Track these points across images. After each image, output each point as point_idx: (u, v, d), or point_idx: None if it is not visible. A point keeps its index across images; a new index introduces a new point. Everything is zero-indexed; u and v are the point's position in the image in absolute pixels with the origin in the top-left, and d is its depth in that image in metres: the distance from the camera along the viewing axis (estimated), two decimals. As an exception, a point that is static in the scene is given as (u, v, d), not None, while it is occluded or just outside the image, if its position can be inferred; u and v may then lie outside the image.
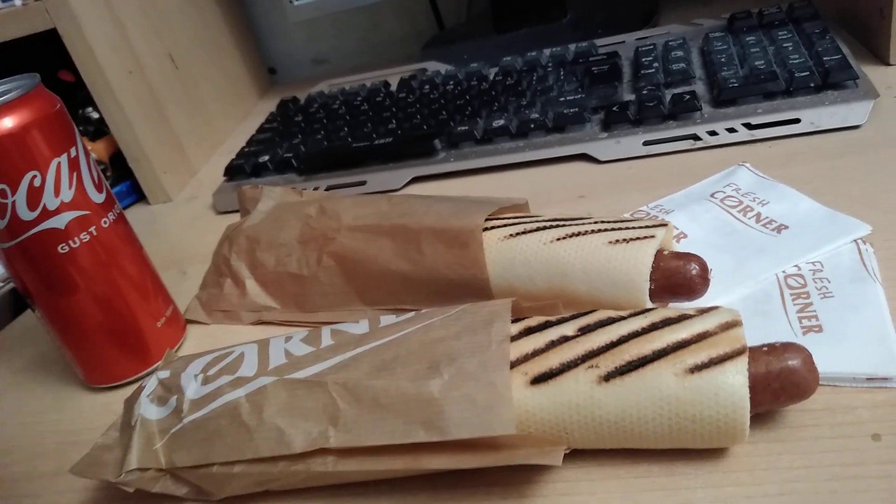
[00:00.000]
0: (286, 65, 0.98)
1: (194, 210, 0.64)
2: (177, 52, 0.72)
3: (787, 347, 0.27)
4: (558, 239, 0.34)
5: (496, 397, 0.27)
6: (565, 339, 0.28)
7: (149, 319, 0.42)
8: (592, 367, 0.27)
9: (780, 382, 0.26)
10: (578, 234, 0.34)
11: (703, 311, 0.28)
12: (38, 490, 0.37)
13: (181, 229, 0.61)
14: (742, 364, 0.26)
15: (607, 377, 0.27)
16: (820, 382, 0.29)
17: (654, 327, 0.28)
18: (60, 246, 0.37)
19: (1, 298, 0.55)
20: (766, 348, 0.27)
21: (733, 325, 0.27)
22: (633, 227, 0.33)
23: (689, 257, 0.32)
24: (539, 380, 0.27)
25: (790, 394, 0.26)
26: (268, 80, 0.96)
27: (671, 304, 0.34)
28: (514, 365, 0.28)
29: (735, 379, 0.26)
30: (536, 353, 0.28)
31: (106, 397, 0.42)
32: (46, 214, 0.37)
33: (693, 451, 0.28)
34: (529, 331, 0.29)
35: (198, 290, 0.48)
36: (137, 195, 0.69)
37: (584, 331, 0.28)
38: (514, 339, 0.29)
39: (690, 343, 0.27)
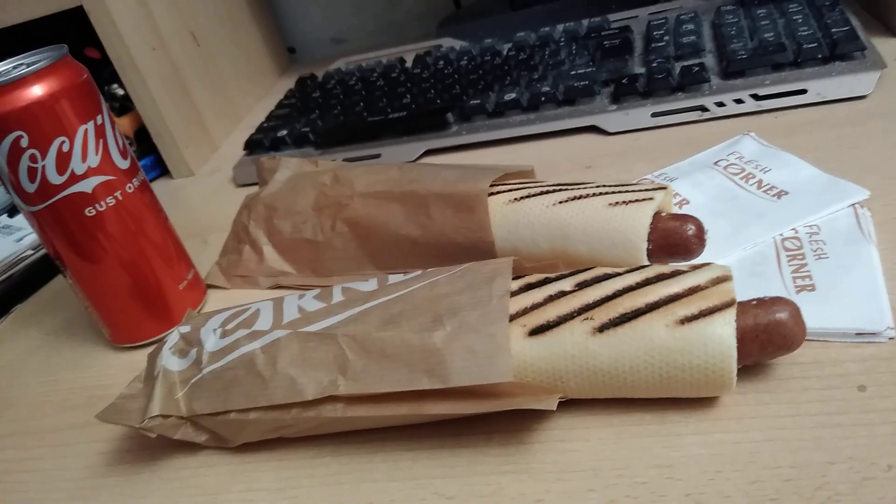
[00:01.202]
0: (305, 44, 0.99)
1: (215, 183, 0.66)
2: (199, 30, 0.74)
3: (776, 301, 0.28)
4: (560, 202, 0.35)
5: (495, 347, 0.28)
6: (563, 294, 0.29)
7: (171, 282, 0.44)
8: (588, 319, 0.28)
9: (768, 334, 0.27)
10: (580, 197, 0.35)
11: (696, 268, 0.29)
12: (68, 440, 0.39)
13: (203, 201, 0.63)
14: (730, 316, 0.27)
15: (601, 328, 0.28)
16: (810, 338, 0.30)
17: (647, 282, 0.29)
18: (88, 209, 0.39)
19: (33, 264, 0.58)
20: (755, 302, 0.28)
21: (724, 279, 0.28)
22: (633, 191, 0.34)
23: (685, 218, 0.33)
24: (537, 331, 0.29)
25: (777, 345, 0.28)
26: (287, 58, 0.97)
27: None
28: (513, 318, 0.29)
29: (723, 329, 0.27)
30: (535, 307, 0.29)
31: (131, 356, 0.44)
32: (74, 179, 0.38)
33: (684, 401, 0.29)
34: (529, 287, 0.30)
35: (218, 257, 0.50)
36: (161, 169, 0.71)
37: (582, 286, 0.30)
38: (514, 294, 0.30)
39: (682, 296, 0.28)
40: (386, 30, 0.95)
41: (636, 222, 0.33)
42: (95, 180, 0.39)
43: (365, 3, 0.94)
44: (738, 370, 0.27)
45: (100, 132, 0.39)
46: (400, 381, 0.29)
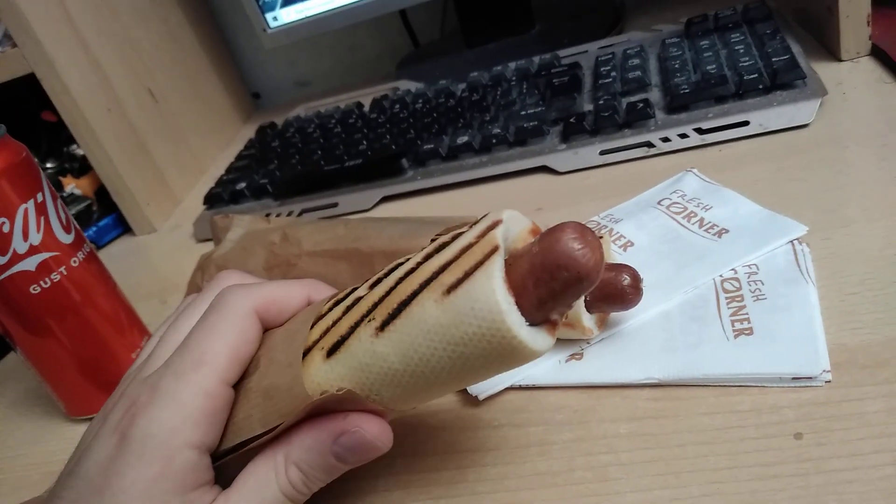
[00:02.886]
0: (270, 89, 1.00)
1: (177, 239, 0.66)
2: (156, 86, 0.74)
3: (552, 230, 0.24)
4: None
5: (292, 377, 0.26)
6: (357, 301, 0.27)
7: (123, 351, 0.44)
8: (370, 320, 0.25)
9: (547, 269, 0.23)
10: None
11: (476, 223, 0.26)
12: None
13: (164, 259, 0.63)
14: (491, 267, 0.23)
15: (382, 326, 0.25)
16: (749, 384, 0.30)
17: (427, 258, 0.25)
18: (32, 287, 0.39)
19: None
20: (532, 241, 0.24)
21: (492, 226, 0.24)
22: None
23: (621, 268, 0.33)
24: (332, 350, 0.26)
25: (565, 280, 0.23)
26: (252, 104, 0.98)
27: (609, 314, 0.35)
28: (315, 343, 0.27)
29: (486, 284, 0.23)
30: (334, 324, 0.27)
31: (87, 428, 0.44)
32: (17, 258, 0.38)
33: (625, 454, 0.29)
34: (337, 303, 0.28)
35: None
36: (124, 227, 0.71)
37: (374, 285, 0.27)
38: (321, 316, 0.28)
39: (451, 262, 0.24)
40: (348, 71, 0.96)
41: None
42: (39, 258, 0.39)
43: (326, 46, 0.94)
44: (677, 422, 0.27)
45: (41, 209, 0.39)
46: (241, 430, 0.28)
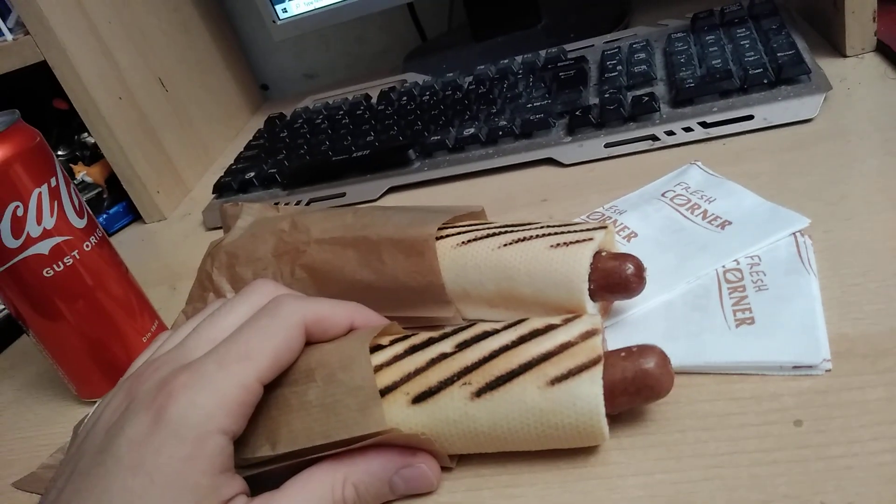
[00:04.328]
0: (278, 80, 1.00)
1: (187, 227, 0.67)
2: (167, 76, 0.75)
3: (643, 351, 0.29)
4: (505, 245, 0.36)
5: (366, 398, 0.29)
6: (444, 357, 0.30)
7: (134, 335, 0.44)
8: (466, 384, 0.29)
9: (636, 385, 0.28)
10: (523, 239, 0.35)
11: (569, 321, 0.30)
12: (34, 499, 0.39)
13: (174, 246, 0.64)
14: (597, 373, 0.28)
15: (479, 393, 0.29)
16: (749, 372, 0.31)
17: (522, 340, 0.29)
18: (45, 270, 0.40)
19: (4, 319, 0.58)
20: (623, 353, 0.29)
21: (593, 333, 0.29)
22: (574, 231, 0.35)
23: (625, 258, 0.33)
24: (419, 399, 0.29)
25: (646, 395, 0.29)
26: (260, 96, 0.98)
27: (613, 302, 0.36)
28: (397, 385, 0.30)
29: (590, 388, 0.28)
30: (418, 372, 0.30)
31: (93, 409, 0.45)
32: (30, 241, 0.39)
33: (627, 440, 0.30)
34: (413, 349, 0.31)
35: (185, 304, 0.51)
36: (134, 215, 0.72)
37: (461, 347, 0.30)
38: (398, 358, 0.31)
39: (553, 354, 0.29)
40: (355, 64, 0.96)
41: (577, 264, 0.33)
42: (52, 241, 0.40)
43: (334, 38, 0.95)
44: (678, 408, 0.28)
45: (54, 194, 0.40)
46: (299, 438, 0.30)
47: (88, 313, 0.42)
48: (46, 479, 0.35)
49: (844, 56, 0.52)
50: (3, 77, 0.63)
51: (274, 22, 0.77)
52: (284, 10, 0.76)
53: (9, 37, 0.63)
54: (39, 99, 0.71)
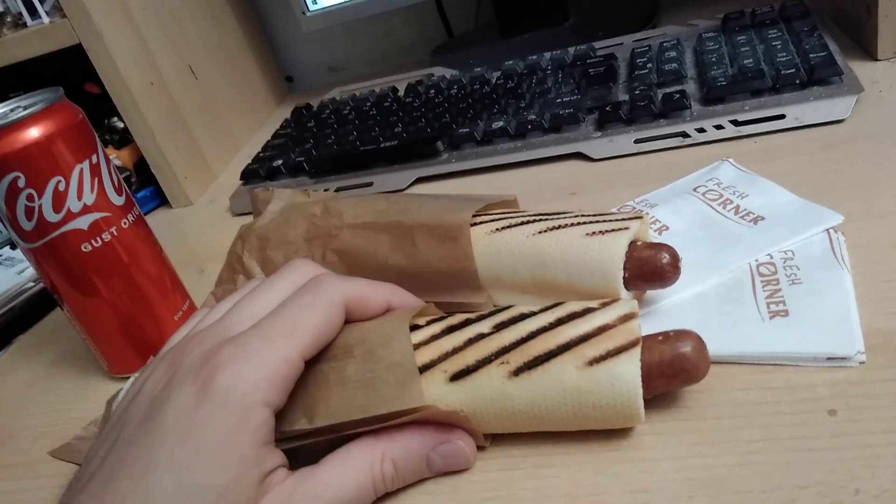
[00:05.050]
0: (303, 73, 1.01)
1: (213, 213, 0.67)
2: (196, 63, 0.76)
3: (680, 335, 0.29)
4: (540, 232, 0.36)
5: (405, 374, 0.29)
6: (481, 336, 0.30)
7: (166, 313, 0.45)
8: (504, 363, 0.29)
9: (673, 368, 0.29)
10: (558, 227, 0.36)
11: (606, 304, 0.30)
12: (64, 470, 0.40)
13: (200, 231, 0.65)
14: (635, 355, 0.28)
15: (517, 371, 0.29)
16: (783, 362, 0.31)
17: (560, 322, 0.30)
18: (84, 245, 0.41)
19: (34, 296, 0.59)
20: (661, 337, 0.29)
21: (630, 316, 0.29)
22: (610, 220, 0.35)
23: (660, 247, 0.34)
24: (457, 377, 0.30)
25: (682, 378, 0.29)
26: (285, 87, 0.99)
27: (646, 292, 0.36)
28: (435, 363, 0.30)
29: (628, 369, 0.28)
30: (455, 351, 0.30)
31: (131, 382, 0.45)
32: (70, 216, 0.40)
33: (660, 424, 0.30)
34: (451, 329, 0.31)
35: (213, 286, 0.51)
36: (161, 199, 0.73)
37: (499, 328, 0.30)
38: (436, 337, 0.31)
39: (591, 336, 0.29)
40: (381, 58, 0.97)
41: (612, 252, 0.33)
42: (91, 217, 0.40)
43: (360, 32, 0.96)
44: (712, 396, 0.28)
45: (95, 171, 0.41)
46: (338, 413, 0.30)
47: (123, 290, 0.43)
48: (82, 450, 0.36)
49: (876, 60, 0.52)
50: (38, 60, 0.64)
51: (303, 13, 0.77)
52: (314, 2, 0.77)
53: (46, 19, 0.64)
54: (71, 82, 0.72)
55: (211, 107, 0.77)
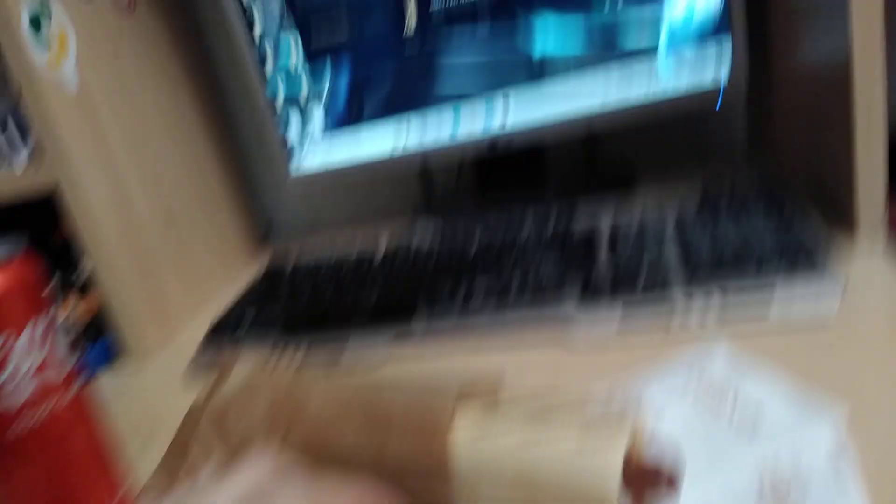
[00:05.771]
0: (282, 223, 1.01)
1: (172, 370, 0.63)
2: (173, 211, 0.75)
3: None
4: (527, 444, 0.33)
5: None
6: None
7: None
8: None
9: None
10: (547, 438, 0.32)
11: None
12: None
13: (156, 391, 0.61)
14: None
15: None
16: None
17: None
18: (19, 419, 0.36)
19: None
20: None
21: None
22: (601, 430, 0.32)
23: (657, 473, 0.31)
24: None
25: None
26: (263, 239, 0.98)
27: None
28: None
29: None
30: None
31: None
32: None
33: None
34: None
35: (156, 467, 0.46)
36: (118, 352, 0.68)
37: None
38: None
39: None
40: (362, 213, 0.97)
41: (607, 473, 0.30)
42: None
43: (342, 189, 0.96)
44: None
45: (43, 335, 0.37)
46: None
47: (55, 467, 0.38)
48: None
49: (854, 232, 0.53)
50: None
51: (287, 177, 0.78)
52: (297, 168, 0.78)
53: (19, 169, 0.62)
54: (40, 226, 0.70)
55: (181, 257, 0.75)
